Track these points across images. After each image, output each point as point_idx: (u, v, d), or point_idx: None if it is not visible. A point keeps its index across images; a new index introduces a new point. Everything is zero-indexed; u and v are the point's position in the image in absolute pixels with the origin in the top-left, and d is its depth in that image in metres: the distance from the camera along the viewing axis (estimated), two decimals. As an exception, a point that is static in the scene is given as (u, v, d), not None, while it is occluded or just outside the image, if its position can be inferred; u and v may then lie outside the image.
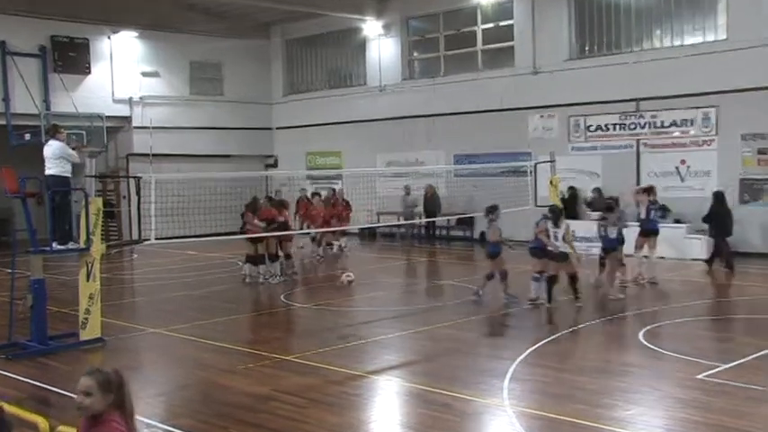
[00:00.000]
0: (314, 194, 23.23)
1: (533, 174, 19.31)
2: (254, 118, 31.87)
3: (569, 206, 21.81)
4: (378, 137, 28.68)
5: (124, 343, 12.14)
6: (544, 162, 19.21)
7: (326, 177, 30.31)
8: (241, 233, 18.02)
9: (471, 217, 25.56)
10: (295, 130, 31.58)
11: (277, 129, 32.64)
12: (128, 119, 28.76)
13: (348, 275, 16.16)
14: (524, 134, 24.88)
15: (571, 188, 22.80)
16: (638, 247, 16.89)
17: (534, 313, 14.10)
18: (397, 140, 28.14)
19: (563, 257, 14.08)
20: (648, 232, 16.77)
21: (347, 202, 23.51)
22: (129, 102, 28.74)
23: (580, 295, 14.24)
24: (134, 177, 12.67)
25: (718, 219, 18.25)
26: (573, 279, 14.19)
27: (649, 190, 17.33)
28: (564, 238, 14.09)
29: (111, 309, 14.06)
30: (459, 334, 12.12)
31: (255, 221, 17.64)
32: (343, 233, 22.42)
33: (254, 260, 17.88)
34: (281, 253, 18.43)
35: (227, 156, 30.52)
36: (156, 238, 13.00)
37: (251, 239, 17.66)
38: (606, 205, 15.76)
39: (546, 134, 24.54)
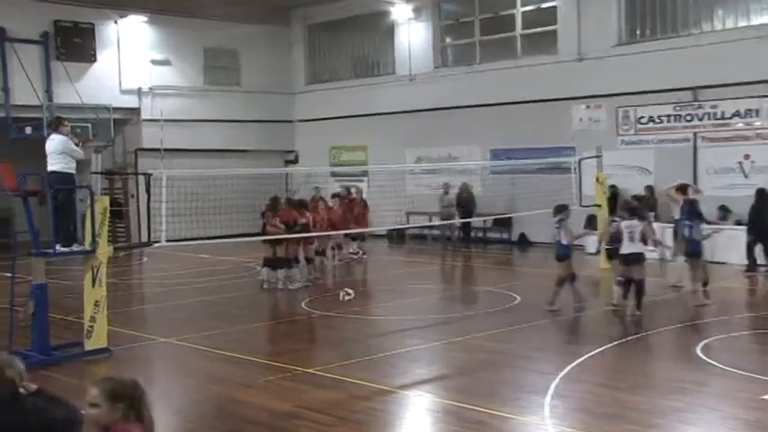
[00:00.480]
0: (334, 195, 22.29)
1: (577, 171, 19.25)
2: (273, 110, 31.99)
3: (610, 207, 21.72)
4: (407, 130, 28.67)
5: (132, 353, 12.22)
6: (589, 158, 19.17)
7: (351, 174, 30.34)
8: (262, 234, 18.08)
9: (509, 218, 25.46)
10: (317, 123, 31.66)
11: (298, 122, 32.73)
12: (136, 111, 28.99)
13: (347, 292, 15.75)
14: (568, 127, 24.73)
15: (612, 187, 22.64)
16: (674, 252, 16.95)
17: (580, 323, 13.99)
18: (427, 134, 28.11)
19: (636, 260, 14.04)
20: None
21: (365, 203, 23.14)
22: (138, 92, 28.97)
23: (625, 304, 14.19)
24: (144, 174, 12.75)
25: (757, 218, 18.13)
26: (640, 285, 14.10)
27: (684, 189, 17.25)
28: (643, 239, 14.10)
29: (118, 316, 14.15)
30: (497, 345, 12.07)
31: (276, 222, 17.70)
32: (360, 238, 21.92)
33: (273, 264, 17.94)
34: (301, 257, 18.47)
35: (244, 151, 30.64)
36: (168, 240, 13.08)
37: (270, 242, 17.72)
38: (627, 206, 15.04)
39: (592, 127, 24.38)
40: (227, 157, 29.66)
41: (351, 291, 15.51)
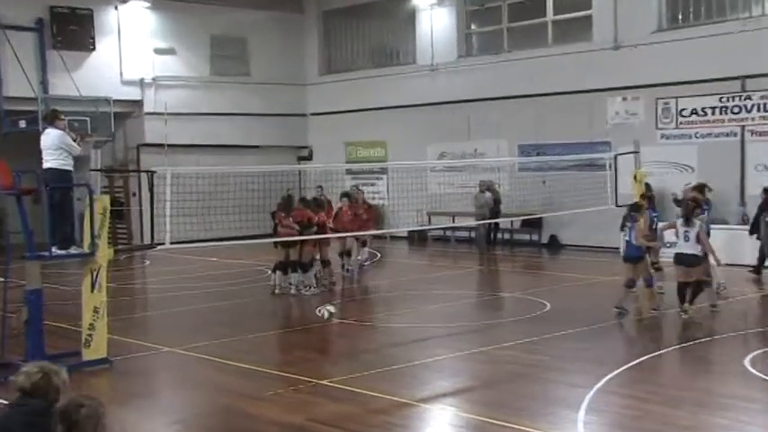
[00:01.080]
0: (343, 195, 21.23)
1: (613, 167, 19.06)
2: (285, 102, 32.06)
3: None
4: (429, 124, 28.65)
5: (134, 364, 12.24)
6: (626, 153, 18.93)
7: (369, 172, 30.32)
8: (274, 236, 18.09)
9: (539, 218, 25.39)
10: (332, 117, 31.70)
11: (311, 115, 32.79)
12: (138, 103, 29.13)
13: (329, 311, 15.26)
14: (603, 120, 24.63)
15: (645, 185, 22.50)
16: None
17: (617, 332, 13.93)
18: (451, 129, 28.07)
19: (694, 261, 14.31)
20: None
21: (369, 206, 22.14)
22: (141, 83, 29.10)
23: (689, 309, 14.27)
24: (146, 171, 12.77)
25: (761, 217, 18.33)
26: (698, 287, 14.41)
27: (701, 188, 17.42)
28: (697, 239, 14.32)
29: (119, 324, 14.21)
30: (526, 356, 12.03)
31: (290, 223, 17.71)
32: (363, 244, 21.64)
33: (285, 268, 17.96)
34: (316, 258, 18.47)
35: (254, 147, 30.68)
36: (172, 242, 13.09)
37: (282, 244, 17.73)
38: (631, 205, 15.73)
39: (629, 120, 24.27)
40: (236, 153, 29.73)
41: (332, 308, 15.07)
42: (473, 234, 26.60)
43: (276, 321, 15.89)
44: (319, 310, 15.21)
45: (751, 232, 19.36)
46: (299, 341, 13.83)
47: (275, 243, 17.99)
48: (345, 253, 20.45)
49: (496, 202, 25.33)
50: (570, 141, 24.79)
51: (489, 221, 24.16)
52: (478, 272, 22.29)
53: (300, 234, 17.50)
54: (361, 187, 23.96)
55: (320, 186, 22.47)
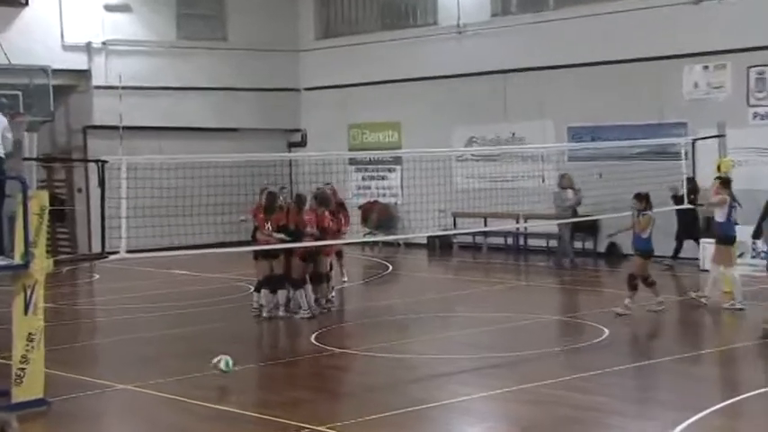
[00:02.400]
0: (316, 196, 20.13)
1: (690, 156, 19.07)
2: (272, 74, 32.03)
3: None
4: (454, 102, 28.58)
5: (78, 406, 12.16)
6: (708, 138, 18.95)
7: (378, 162, 30.23)
8: (250, 243, 18.01)
9: (595, 221, 25.26)
10: (332, 93, 31.67)
11: (306, 90, 32.75)
12: (85, 74, 29.12)
13: (221, 363, 13.49)
14: (677, 95, 24.52)
15: (690, 180, 22.41)
16: (716, 261, 17.75)
17: (695, 365, 13.84)
18: (483, 107, 27.98)
19: None
20: (725, 239, 17.64)
21: (341, 204, 20.35)
22: (88, 49, 29.09)
23: None
24: (95, 161, 12.77)
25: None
26: None
27: (726, 182, 17.71)
28: None
29: (59, 355, 14.11)
30: (576, 396, 11.95)
31: (267, 230, 17.56)
32: (339, 255, 20.93)
33: (273, 284, 17.82)
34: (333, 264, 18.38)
35: (232, 130, 30.70)
36: (129, 251, 13.06)
37: (263, 255, 17.61)
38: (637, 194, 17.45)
39: (711, 95, 24.15)
40: (209, 138, 29.70)
41: (223, 360, 13.87)
42: (551, 243, 26.20)
43: (260, 351, 15.85)
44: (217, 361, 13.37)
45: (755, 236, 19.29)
46: (288, 377, 13.77)
47: (255, 255, 17.88)
48: (325, 276, 18.73)
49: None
50: (635, 123, 24.72)
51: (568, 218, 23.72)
52: (517, 288, 22.19)
53: (291, 241, 17.40)
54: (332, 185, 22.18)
55: (283, 187, 20.90)
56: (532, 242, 27.47)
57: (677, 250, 23.37)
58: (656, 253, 18.04)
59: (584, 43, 25.95)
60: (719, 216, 17.50)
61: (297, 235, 17.51)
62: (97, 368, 14.51)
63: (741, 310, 17.03)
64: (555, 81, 26.57)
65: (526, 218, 26.52)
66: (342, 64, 31.33)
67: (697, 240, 22.81)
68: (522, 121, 27.31)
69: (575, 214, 24.05)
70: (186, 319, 18.12)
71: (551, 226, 25.25)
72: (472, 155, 27.78)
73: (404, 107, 29.83)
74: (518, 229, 27.02)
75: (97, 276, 24.71)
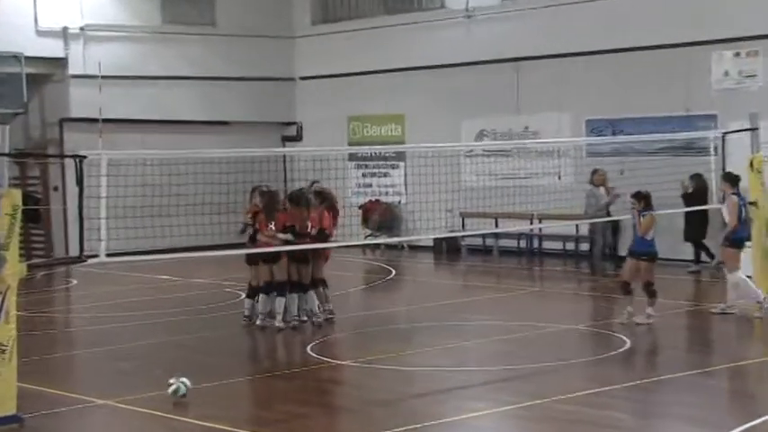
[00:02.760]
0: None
1: (720, 151, 18.98)
2: (265, 62, 32.03)
3: (694, 203, 21.79)
4: (463, 93, 28.53)
5: (54, 423, 12.10)
6: (739, 131, 18.85)
7: (380, 158, 30.14)
8: (251, 246, 17.85)
9: (616, 222, 25.18)
10: (330, 82, 31.65)
11: (301, 80, 32.74)
12: (61, 62, 29.06)
13: (175, 385, 14.03)
14: (705, 85, 24.50)
15: (697, 176, 22.33)
16: (728, 265, 17.81)
17: (725, 378, 13.79)
18: (494, 98, 27.94)
19: None
20: (736, 242, 17.77)
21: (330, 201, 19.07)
22: (64, 34, 28.98)
23: None
24: (73, 157, 12.71)
25: None
26: None
27: (734, 180, 17.83)
28: None
29: (33, 368, 14.08)
30: (596, 413, 11.90)
31: (270, 232, 17.42)
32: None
33: (269, 291, 17.62)
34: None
35: (222, 123, 30.71)
36: (109, 255, 13.01)
37: (264, 259, 17.45)
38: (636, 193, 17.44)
39: (743, 84, 24.10)
40: (197, 131, 29.69)
41: (181, 387, 13.46)
42: (568, 246, 26.14)
43: (251, 363, 15.82)
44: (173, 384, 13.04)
45: None
46: (282, 391, 13.72)
47: (248, 259, 17.68)
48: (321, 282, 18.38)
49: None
50: (659, 115, 24.69)
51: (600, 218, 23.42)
52: (529, 295, 22.16)
53: (293, 243, 17.24)
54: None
55: (267, 185, 20.37)
56: (548, 245, 27.45)
57: (698, 254, 23.37)
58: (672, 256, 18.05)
59: (604, 29, 25.93)
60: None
61: (301, 236, 17.45)
62: (75, 382, 14.47)
63: (732, 314, 17.40)
64: (572, 70, 26.54)
65: (541, 218, 26.44)
66: (341, 51, 31.31)
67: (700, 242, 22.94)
68: (536, 113, 27.28)
69: (608, 215, 23.71)
70: (171, 329, 18.07)
71: (568, 227, 25.23)
72: (482, 150, 27.75)
73: (408, 98, 29.81)
74: (532, 230, 26.96)
75: (74, 282, 24.66)
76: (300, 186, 19.40)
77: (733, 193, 17.79)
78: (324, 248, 17.87)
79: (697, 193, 22.33)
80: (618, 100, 25.69)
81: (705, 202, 21.30)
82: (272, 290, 17.62)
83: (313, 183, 19.60)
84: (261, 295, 17.78)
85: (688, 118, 23.97)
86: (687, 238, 23.43)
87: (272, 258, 17.34)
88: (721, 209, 18.51)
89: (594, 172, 24.50)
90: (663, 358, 15.13)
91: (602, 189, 24.18)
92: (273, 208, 17.64)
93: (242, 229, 18.10)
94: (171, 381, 12.75)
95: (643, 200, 17.27)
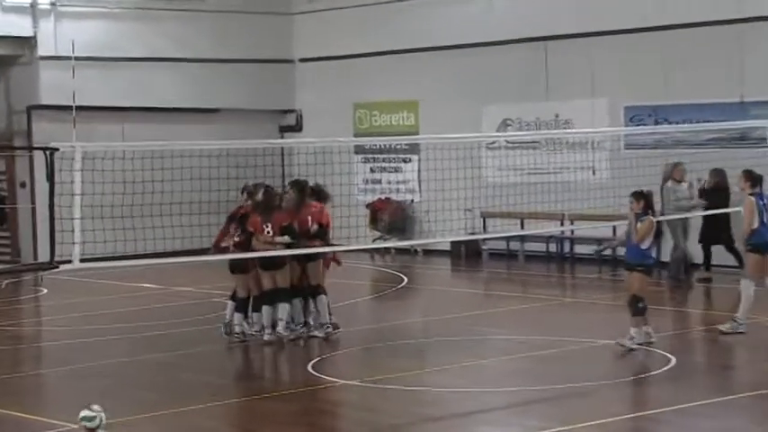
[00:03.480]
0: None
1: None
2: (260, 43, 32.06)
3: (712, 201, 21.90)
4: (484, 76, 28.56)
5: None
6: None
7: (390, 151, 30.17)
8: (237, 250, 17.92)
9: (659, 224, 25.15)
10: (333, 65, 31.71)
11: (301, 62, 32.80)
12: (29, 42, 29.15)
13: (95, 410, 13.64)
14: (761, 67, 24.51)
15: (716, 171, 22.30)
16: (752, 272, 17.69)
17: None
18: (519, 82, 28.00)
19: None
20: (758, 247, 17.65)
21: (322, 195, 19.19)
22: (32, 10, 29.09)
23: None
24: (43, 149, 12.79)
25: None
26: None
27: (755, 179, 17.82)
28: None
29: (-1, 387, 14.15)
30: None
31: (266, 234, 17.41)
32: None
33: (274, 299, 17.55)
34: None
35: (212, 110, 30.79)
36: (83, 260, 13.06)
37: (264, 266, 17.40)
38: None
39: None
40: (184, 120, 29.80)
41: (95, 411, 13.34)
42: (620, 251, 26.04)
43: (245, 383, 15.85)
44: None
45: None
46: (280, 414, 13.75)
47: (237, 266, 17.64)
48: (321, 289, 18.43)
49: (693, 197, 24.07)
50: (708, 101, 24.70)
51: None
52: (558, 306, 22.16)
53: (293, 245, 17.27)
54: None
55: (252, 184, 20.01)
56: (580, 249, 27.41)
57: (707, 257, 23.33)
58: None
59: (645, 3, 25.96)
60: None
61: (301, 235, 17.50)
62: (44, 404, 14.52)
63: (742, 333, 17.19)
64: (608, 50, 26.57)
65: (573, 219, 26.47)
66: (345, 29, 31.37)
67: (729, 247, 22.78)
68: (567, 99, 27.30)
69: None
70: (153, 344, 18.08)
71: (604, 229, 25.21)
72: (506, 141, 27.79)
73: (422, 83, 29.87)
74: (563, 232, 26.98)
75: (45, 291, 24.68)
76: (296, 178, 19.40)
77: (752, 194, 17.74)
78: (327, 251, 17.90)
79: (714, 190, 22.32)
80: (661, 84, 25.68)
81: (725, 201, 21.33)
82: (276, 298, 17.60)
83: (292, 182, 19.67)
84: (264, 307, 17.70)
85: (742, 105, 24.02)
86: (700, 240, 23.34)
87: (275, 264, 17.33)
88: (741, 210, 18.41)
89: (676, 165, 23.84)
90: (712, 378, 15.12)
91: (684, 185, 23.62)
92: (271, 208, 17.66)
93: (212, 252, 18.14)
94: (95, 408, 12.49)
95: (643, 200, 16.88)
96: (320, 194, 18.32)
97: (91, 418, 12.53)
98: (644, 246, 16.63)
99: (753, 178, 17.88)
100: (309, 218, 17.66)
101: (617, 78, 26.40)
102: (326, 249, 17.82)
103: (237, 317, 18.04)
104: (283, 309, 17.55)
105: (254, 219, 17.49)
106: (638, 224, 16.57)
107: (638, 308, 16.45)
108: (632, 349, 16.18)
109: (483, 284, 26.14)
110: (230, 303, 18.03)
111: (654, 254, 17.27)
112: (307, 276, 18.00)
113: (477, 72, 28.69)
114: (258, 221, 17.42)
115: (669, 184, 23.71)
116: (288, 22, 32.75)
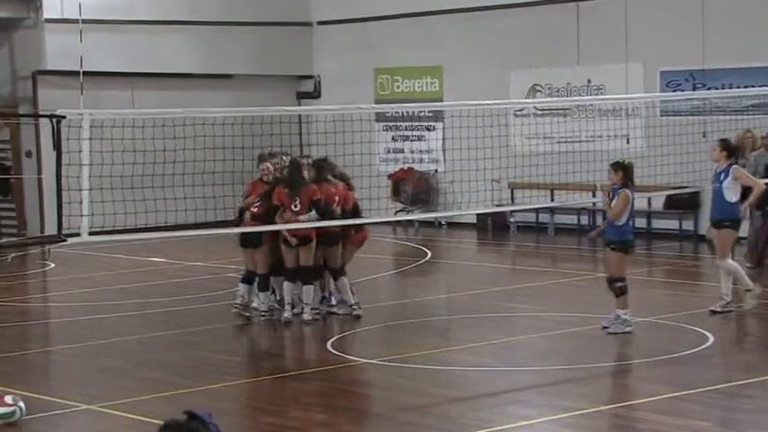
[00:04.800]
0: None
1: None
2: (276, 4, 32.09)
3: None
4: (512, 39, 28.53)
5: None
6: None
7: (413, 119, 30.13)
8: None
9: (695, 194, 25.15)
10: (353, 28, 31.70)
11: (319, 24, 32.78)
12: (33, 3, 29.12)
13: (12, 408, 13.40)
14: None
15: (747, 132, 22.11)
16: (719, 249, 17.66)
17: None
18: (549, 46, 27.97)
19: None
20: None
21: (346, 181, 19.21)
22: (38, -29, 29.19)
23: None
24: (49, 116, 12.81)
25: None
26: None
27: (729, 147, 17.71)
28: None
29: (5, 367, 14.33)
30: (673, 421, 11.90)
31: (291, 217, 17.34)
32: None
33: (294, 276, 17.49)
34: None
35: (226, 76, 30.81)
36: (92, 233, 13.08)
37: (286, 241, 17.28)
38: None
39: None
40: (197, 86, 29.80)
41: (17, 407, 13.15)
42: (655, 224, 26.06)
43: (262, 362, 15.95)
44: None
45: None
46: (299, 394, 13.83)
47: (252, 240, 17.58)
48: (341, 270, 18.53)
49: None
50: (751, 65, 24.65)
51: None
52: (590, 281, 22.15)
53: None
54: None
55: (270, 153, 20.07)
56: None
57: None
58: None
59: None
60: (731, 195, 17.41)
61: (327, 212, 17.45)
62: (53, 383, 14.59)
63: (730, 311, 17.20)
64: (643, 11, 26.47)
65: (605, 190, 26.36)
66: (366, -9, 31.38)
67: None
68: (600, 63, 27.25)
69: None
70: (166, 321, 18.15)
71: (639, 201, 25.11)
72: (535, 108, 27.75)
73: (446, 46, 29.84)
74: (594, 204, 26.91)
75: (52, 265, 24.76)
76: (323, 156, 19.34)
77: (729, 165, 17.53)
78: (356, 229, 17.87)
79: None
80: (699, 47, 25.59)
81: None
82: (301, 278, 17.55)
83: (304, 156, 19.58)
84: (286, 283, 17.65)
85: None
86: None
87: (301, 240, 17.30)
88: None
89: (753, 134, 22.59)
90: (752, 357, 15.11)
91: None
92: (299, 182, 17.46)
93: (236, 221, 18.01)
94: (8, 400, 12.35)
95: (621, 171, 16.47)
96: (342, 177, 18.27)
97: (8, 415, 12.50)
98: (619, 222, 16.33)
99: (729, 148, 17.71)
100: (337, 198, 17.66)
101: (653, 41, 26.31)
102: (346, 223, 17.73)
103: (262, 295, 17.86)
104: (308, 292, 17.50)
105: (280, 192, 17.30)
106: (614, 200, 16.31)
107: (616, 288, 16.31)
108: (626, 332, 16.09)
109: (510, 259, 26.15)
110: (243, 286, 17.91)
111: (632, 230, 16.94)
112: (326, 259, 18.02)
113: (505, 35, 28.65)
114: (285, 195, 17.27)
115: (760, 150, 22.20)
116: (305, -17, 32.76)
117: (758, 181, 17.78)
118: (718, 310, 17.22)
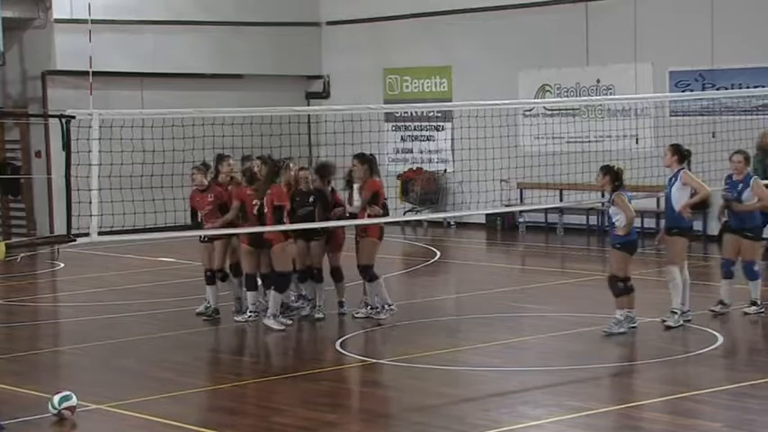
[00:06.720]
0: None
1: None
2: (286, 5, 32.12)
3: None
4: (521, 40, 28.51)
5: (38, 431, 12.17)
6: None
7: (422, 119, 30.12)
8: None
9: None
10: (363, 28, 31.72)
11: (329, 24, 32.78)
12: (43, 4, 29.11)
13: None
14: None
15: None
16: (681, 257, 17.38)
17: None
18: (558, 46, 27.95)
19: None
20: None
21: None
22: (47, -29, 29.18)
23: None
24: (59, 116, 12.79)
25: None
26: None
27: (681, 152, 17.42)
28: None
29: (15, 367, 14.34)
30: (679, 421, 11.90)
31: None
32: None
33: (305, 276, 17.56)
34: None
35: (235, 76, 30.83)
36: (101, 233, 13.07)
37: (305, 236, 17.24)
38: None
39: None
40: (206, 86, 29.84)
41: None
42: (647, 224, 26.05)
43: (270, 362, 15.98)
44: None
45: None
46: (307, 394, 13.76)
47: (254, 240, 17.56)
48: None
49: None
50: (760, 65, 24.64)
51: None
52: (600, 282, 22.10)
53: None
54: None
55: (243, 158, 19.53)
56: (623, 222, 27.31)
57: None
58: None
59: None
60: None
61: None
62: (62, 382, 14.51)
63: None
64: (653, 11, 26.45)
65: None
66: (375, -9, 31.36)
67: None
68: (609, 63, 27.25)
69: None
70: (174, 321, 18.17)
71: (649, 201, 25.13)
72: (544, 108, 27.74)
73: (456, 47, 29.86)
74: (603, 204, 26.87)
75: (62, 265, 24.79)
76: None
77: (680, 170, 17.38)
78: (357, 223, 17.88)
79: None
80: (709, 47, 25.57)
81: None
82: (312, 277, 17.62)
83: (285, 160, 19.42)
84: (308, 281, 17.71)
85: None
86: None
87: (311, 236, 17.39)
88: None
89: None
90: (763, 357, 15.08)
91: None
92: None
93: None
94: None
95: (608, 176, 16.57)
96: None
97: (67, 398, 12.53)
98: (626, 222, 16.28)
99: (680, 153, 17.51)
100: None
101: (662, 41, 26.30)
102: (356, 222, 17.71)
103: (251, 295, 17.80)
104: (320, 289, 17.67)
105: (281, 194, 17.08)
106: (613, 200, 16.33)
107: (618, 288, 16.32)
108: (622, 333, 16.05)
109: (519, 259, 26.10)
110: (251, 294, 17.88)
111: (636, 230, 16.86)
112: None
113: (514, 35, 28.64)
114: (286, 195, 17.19)
115: None
116: (314, -16, 32.76)
117: (705, 186, 17.56)
118: (717, 310, 17.30)
